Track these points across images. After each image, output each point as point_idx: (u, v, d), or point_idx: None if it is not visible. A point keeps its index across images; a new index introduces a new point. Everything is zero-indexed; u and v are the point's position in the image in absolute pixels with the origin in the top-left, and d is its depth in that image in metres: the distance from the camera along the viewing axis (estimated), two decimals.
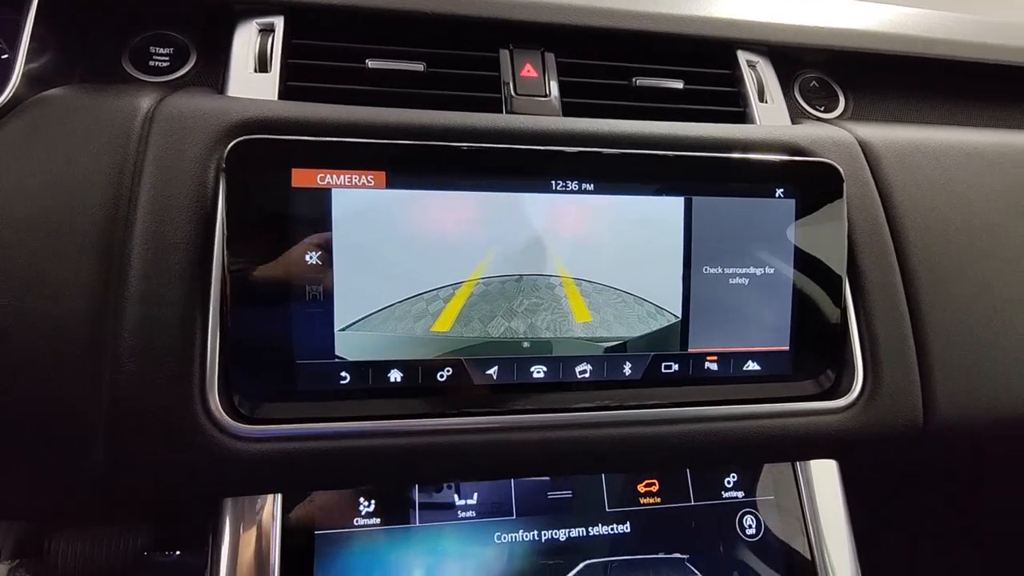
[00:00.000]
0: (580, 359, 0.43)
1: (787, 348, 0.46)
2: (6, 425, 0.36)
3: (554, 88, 0.51)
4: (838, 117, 0.62)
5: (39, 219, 0.38)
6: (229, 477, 0.39)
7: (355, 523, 0.42)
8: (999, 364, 0.50)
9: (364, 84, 0.48)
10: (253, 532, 0.40)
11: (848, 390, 0.46)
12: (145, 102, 0.42)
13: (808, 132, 0.52)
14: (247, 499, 0.41)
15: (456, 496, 0.43)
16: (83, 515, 0.46)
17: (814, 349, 0.46)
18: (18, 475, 0.38)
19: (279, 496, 0.41)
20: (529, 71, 0.51)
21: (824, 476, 0.48)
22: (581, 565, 0.43)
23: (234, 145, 0.38)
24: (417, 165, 0.40)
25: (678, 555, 0.45)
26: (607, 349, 0.43)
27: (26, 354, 0.36)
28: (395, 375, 0.41)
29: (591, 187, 0.43)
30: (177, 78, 0.49)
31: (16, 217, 0.38)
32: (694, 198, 0.44)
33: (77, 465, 0.36)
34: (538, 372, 0.43)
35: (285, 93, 0.46)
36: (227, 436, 0.38)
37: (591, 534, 0.44)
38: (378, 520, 0.42)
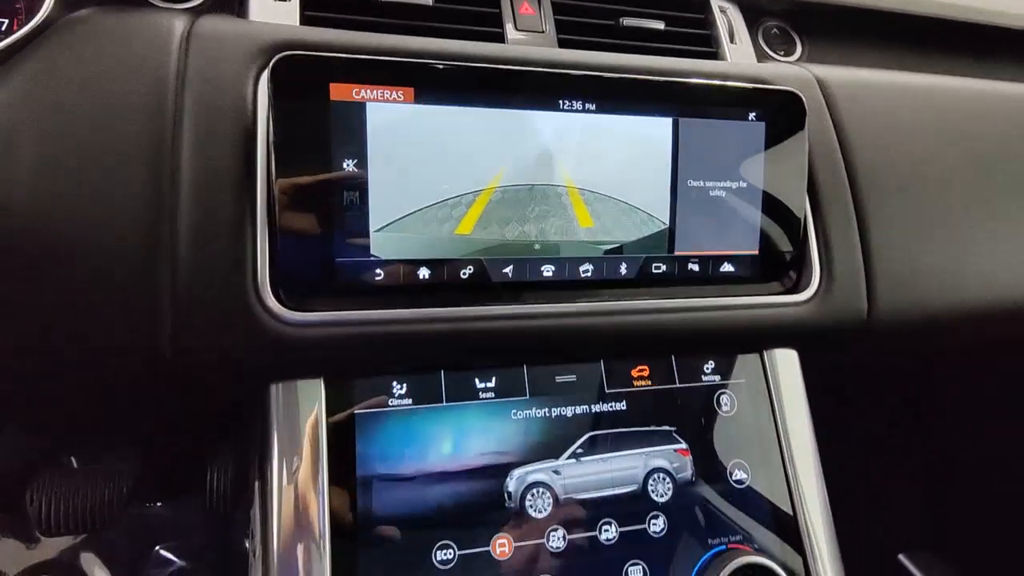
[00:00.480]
0: (583, 260, 0.49)
1: (756, 252, 0.53)
2: (91, 317, 0.40)
3: (550, 25, 0.56)
4: (796, 61, 0.69)
5: (86, 134, 0.41)
6: (279, 360, 0.44)
7: (390, 404, 0.47)
8: (930, 270, 0.59)
9: (375, 15, 0.52)
10: (301, 414, 0.46)
11: (807, 287, 0.54)
12: (178, 23, 0.45)
13: (773, 69, 0.60)
14: (294, 384, 0.46)
15: (477, 380, 0.49)
16: (147, 404, 0.50)
17: (779, 252, 0.54)
18: (93, 364, 0.42)
19: (321, 383, 0.46)
20: (527, 9, 0.56)
21: (786, 364, 0.56)
22: (586, 436, 0.50)
23: (279, 60, 0.42)
24: (443, 83, 0.45)
25: (666, 427, 0.52)
26: (606, 251, 0.50)
27: (93, 262, 0.39)
28: (423, 272, 0.46)
29: (593, 107, 0.48)
30: (196, 5, 0.52)
31: (64, 132, 0.41)
32: (680, 119, 0.50)
33: (148, 349, 0.41)
34: (547, 271, 0.49)
35: (304, 21, 0.50)
36: (278, 322, 0.43)
37: (593, 411, 0.51)
38: (410, 401, 0.48)
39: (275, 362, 0.44)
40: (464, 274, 0.47)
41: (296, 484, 0.44)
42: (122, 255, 0.40)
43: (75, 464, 1.15)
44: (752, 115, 0.52)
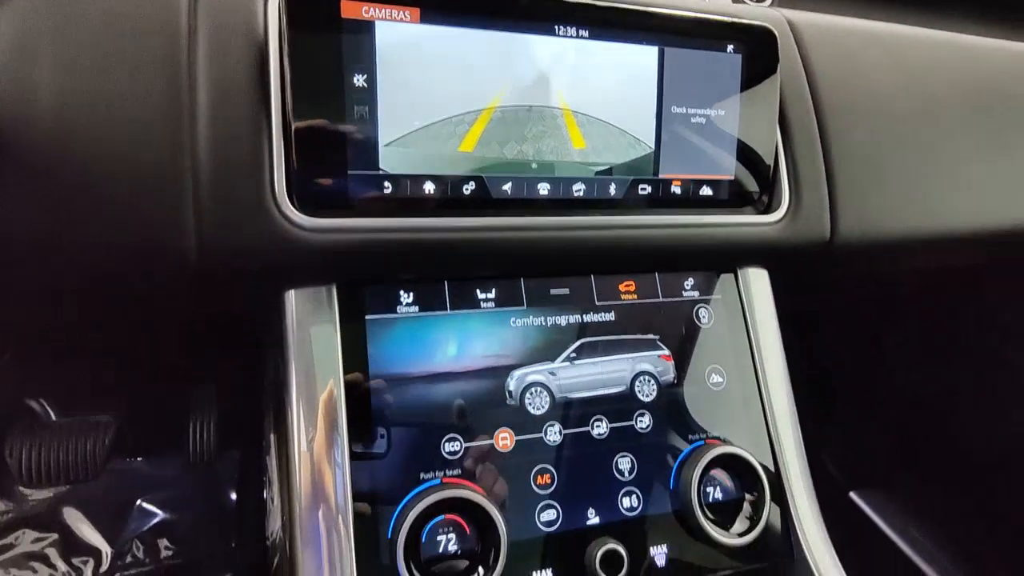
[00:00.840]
0: (576, 179, 0.53)
1: (732, 177, 0.58)
2: (121, 217, 0.41)
3: None
4: (768, 6, 0.74)
5: (105, 43, 0.42)
6: (294, 262, 0.46)
7: (398, 311, 0.51)
8: (888, 198, 0.64)
9: None
10: (315, 319, 0.48)
11: (777, 209, 0.59)
12: None
13: (748, 9, 0.64)
14: (308, 292, 0.49)
15: (478, 291, 0.53)
16: (171, 302, 0.51)
17: (752, 178, 0.59)
18: (122, 265, 0.43)
19: (334, 290, 0.49)
20: None
21: (758, 282, 0.61)
22: (579, 342, 0.55)
23: None
24: (447, 4, 0.48)
25: (651, 336, 0.57)
26: (597, 172, 0.53)
27: (119, 163, 0.41)
28: (428, 186, 0.49)
29: (586, 34, 0.52)
30: None
31: (83, 41, 0.42)
32: (665, 49, 0.54)
33: (175, 250, 0.43)
34: (543, 189, 0.52)
35: None
36: (294, 227, 0.45)
37: (585, 320, 0.55)
38: (416, 308, 0.51)
39: (290, 265, 0.47)
40: (466, 190, 0.50)
41: (314, 385, 0.47)
42: (147, 154, 0.42)
43: (54, 417, 1.14)
44: (730, 47, 0.56)
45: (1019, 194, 0.71)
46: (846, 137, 0.63)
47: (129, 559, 1.17)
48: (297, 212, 0.45)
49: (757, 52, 0.57)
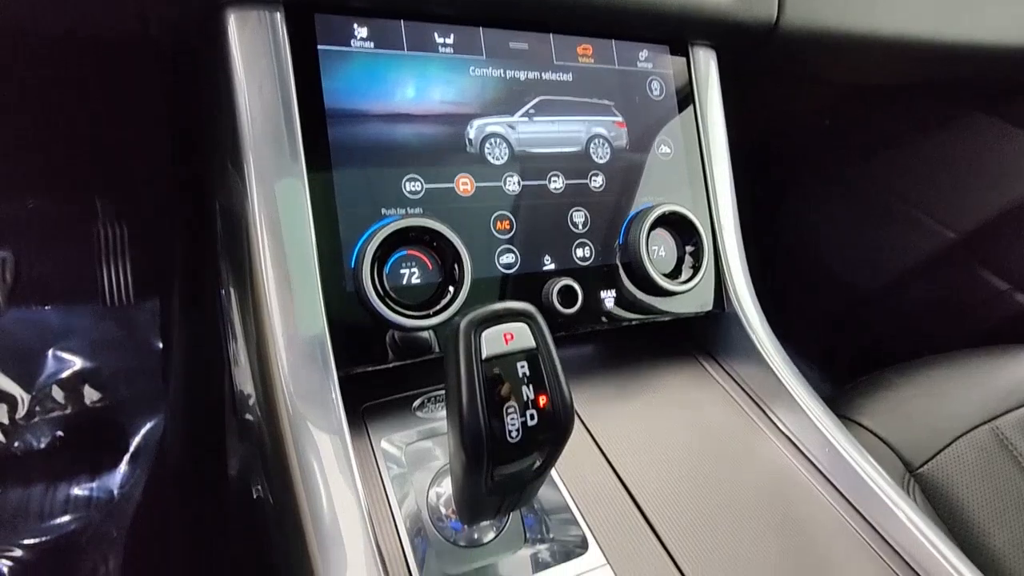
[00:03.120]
0: None
1: None
2: None
3: None
4: None
5: None
6: None
7: (352, 45, 0.48)
8: None
9: None
10: (261, 45, 0.45)
11: None
12: None
13: None
14: (251, 14, 0.45)
15: (436, 35, 0.51)
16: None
17: None
18: None
19: (280, 14, 0.45)
20: None
21: (706, 61, 0.63)
22: (537, 99, 0.54)
23: None
24: None
25: (606, 101, 0.58)
26: None
27: None
28: None
29: None
30: None
31: None
32: None
33: None
34: None
35: None
36: None
37: (543, 78, 0.55)
38: (372, 44, 0.48)
39: None
40: None
41: (268, 115, 0.44)
42: None
43: None
44: None
45: (963, 13, 0.75)
46: None
47: (50, 404, 1.12)
48: None
49: None
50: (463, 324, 0.33)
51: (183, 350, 1.18)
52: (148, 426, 1.14)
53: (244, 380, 0.48)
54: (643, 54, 0.60)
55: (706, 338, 0.64)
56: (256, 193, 0.44)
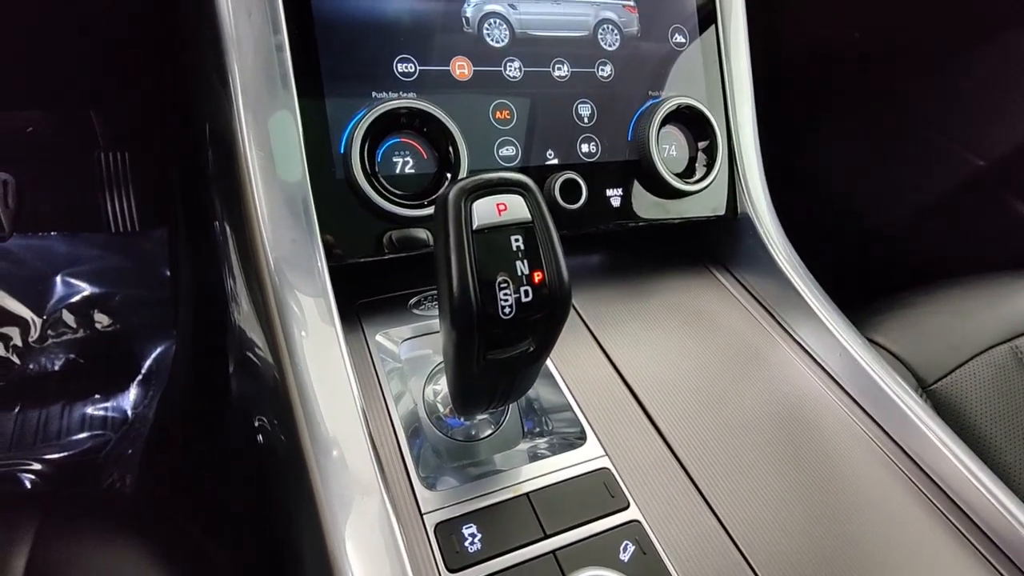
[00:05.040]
0: None
1: None
2: None
3: None
4: None
5: None
6: None
7: None
8: None
9: None
10: None
11: None
12: None
13: None
14: None
15: None
16: None
17: None
18: None
19: None
20: None
21: None
22: None
23: None
24: None
25: None
26: None
27: None
28: None
29: None
30: None
31: None
32: None
33: None
34: None
35: None
36: None
37: None
38: None
39: None
40: None
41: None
42: None
43: None
44: None
45: None
46: None
47: (61, 328, 1.13)
48: None
49: None
50: (452, 192, 0.30)
51: (189, 277, 1.18)
52: (158, 351, 1.15)
53: (240, 294, 0.47)
54: None
55: (718, 247, 0.61)
56: (236, 68, 0.41)
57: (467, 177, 0.31)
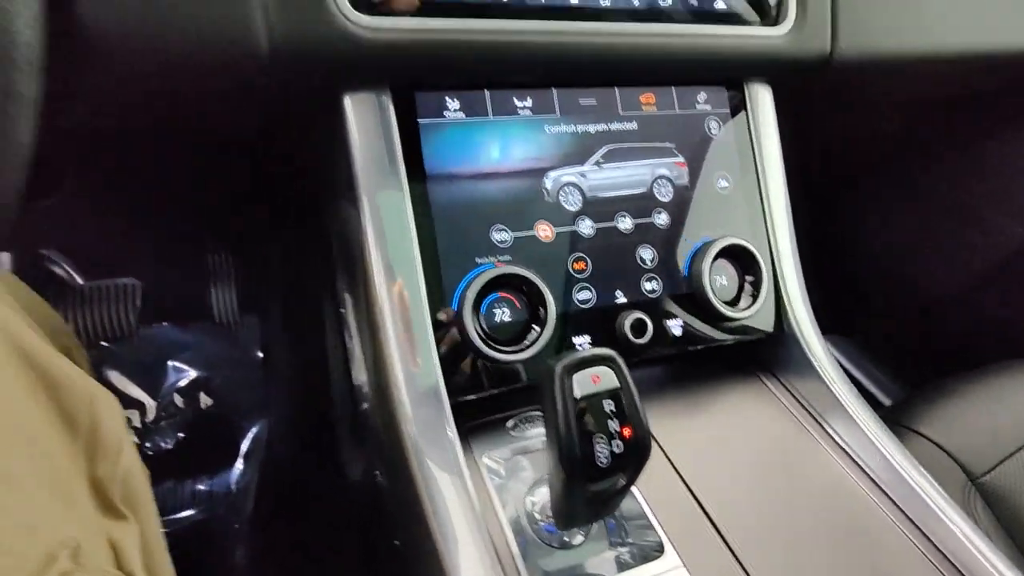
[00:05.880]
0: None
1: None
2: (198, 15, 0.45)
3: None
4: None
5: None
6: (354, 61, 0.50)
7: (446, 116, 0.55)
8: (888, 14, 0.69)
9: None
10: (374, 121, 0.53)
11: (783, 21, 0.63)
12: None
13: None
14: (364, 96, 0.53)
15: (516, 99, 0.58)
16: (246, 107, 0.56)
17: None
18: (203, 53, 0.46)
19: (389, 96, 0.53)
20: None
21: (762, 97, 0.67)
22: (605, 148, 0.61)
23: None
24: None
25: (668, 144, 0.63)
26: None
27: None
28: None
29: None
30: None
31: None
32: None
33: (247, 46, 0.46)
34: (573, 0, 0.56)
35: None
36: (354, 25, 0.48)
37: (610, 128, 0.61)
38: (462, 115, 0.56)
39: (350, 62, 0.50)
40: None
41: (381, 180, 0.53)
42: None
43: (80, 281, 1.20)
44: None
45: (1017, 18, 0.76)
46: None
47: (172, 409, 1.28)
48: (356, 12, 0.48)
49: None
50: (558, 369, 0.40)
51: (283, 363, 1.32)
52: (255, 429, 1.28)
53: (366, 400, 0.58)
54: (701, 96, 0.65)
55: (767, 358, 0.68)
56: (372, 238, 0.53)
57: (566, 354, 0.41)
